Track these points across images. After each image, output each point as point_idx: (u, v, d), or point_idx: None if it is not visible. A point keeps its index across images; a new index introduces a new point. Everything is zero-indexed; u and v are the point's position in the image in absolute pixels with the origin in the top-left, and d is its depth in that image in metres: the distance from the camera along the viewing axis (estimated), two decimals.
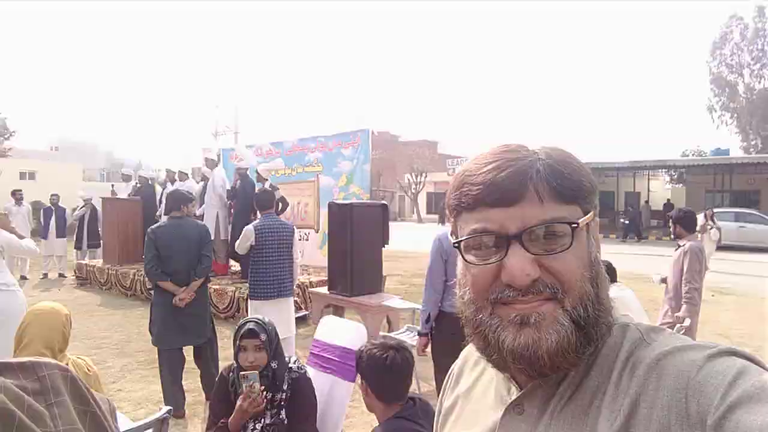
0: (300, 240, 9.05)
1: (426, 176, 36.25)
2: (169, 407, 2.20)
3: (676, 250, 4.17)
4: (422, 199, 37.71)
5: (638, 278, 9.38)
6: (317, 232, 8.75)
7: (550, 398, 0.63)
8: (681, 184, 30.05)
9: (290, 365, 2.34)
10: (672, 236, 4.66)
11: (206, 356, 4.16)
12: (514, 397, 0.67)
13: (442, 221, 3.39)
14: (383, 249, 6.38)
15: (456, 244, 0.66)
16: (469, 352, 0.84)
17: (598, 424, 0.58)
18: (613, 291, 3.68)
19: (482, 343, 0.65)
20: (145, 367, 5.13)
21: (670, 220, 4.32)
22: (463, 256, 0.66)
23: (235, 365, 2.31)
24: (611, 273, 3.83)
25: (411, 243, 15.10)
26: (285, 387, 2.26)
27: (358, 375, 1.99)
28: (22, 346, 2.17)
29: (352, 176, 8.38)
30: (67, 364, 2.22)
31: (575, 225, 0.61)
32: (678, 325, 3.86)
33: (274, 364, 2.28)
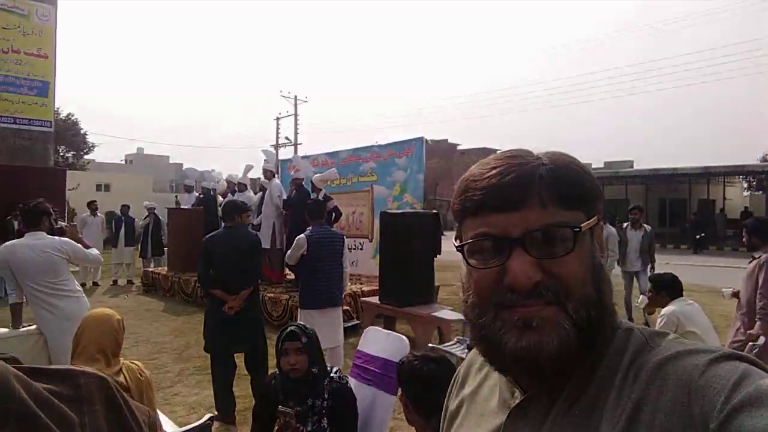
0: (354, 249, 9.12)
1: None
2: (210, 415, 2.22)
3: (751, 262, 3.85)
4: None
5: (710, 292, 8.77)
6: (371, 241, 8.77)
7: (553, 402, 0.63)
8: (761, 191, 28.05)
9: (331, 375, 2.32)
10: (747, 247, 4.31)
11: (256, 363, 4.22)
12: (517, 400, 0.68)
13: None
14: (436, 259, 6.30)
15: (459, 248, 0.67)
16: (475, 355, 0.84)
17: (600, 427, 0.58)
18: (678, 305, 3.44)
19: (485, 346, 0.65)
20: (200, 372, 5.28)
21: (744, 230, 3.99)
22: (466, 260, 0.66)
23: (278, 372, 2.31)
24: (676, 286, 3.59)
25: None
26: (326, 395, 2.24)
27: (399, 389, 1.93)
28: (78, 350, 2.24)
29: (406, 185, 8.35)
30: (120, 369, 2.29)
31: (578, 229, 0.61)
32: (750, 344, 3.56)
33: (314, 369, 2.28)
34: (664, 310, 3.48)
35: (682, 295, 3.51)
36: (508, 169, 0.63)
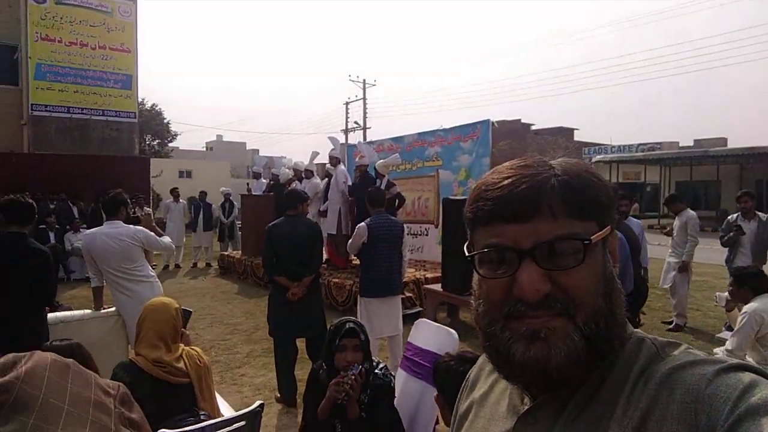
0: (419, 235, 9.09)
1: None
2: (261, 402, 2.28)
3: None
4: None
5: None
6: (437, 227, 8.68)
7: (562, 410, 0.64)
8: None
9: (376, 370, 2.31)
10: None
11: (318, 349, 4.30)
12: (527, 407, 0.69)
13: None
14: None
15: (470, 258, 0.67)
16: (486, 358, 0.83)
17: None
18: (762, 303, 3.15)
19: (494, 355, 0.66)
20: (267, 354, 5.47)
21: None
22: (476, 270, 0.67)
23: (324, 365, 2.32)
24: (761, 281, 3.28)
25: None
26: (368, 390, 2.24)
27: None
28: (140, 337, 2.38)
29: (471, 170, 8.16)
30: (180, 355, 2.40)
31: (588, 241, 0.61)
32: None
33: (365, 366, 2.26)
34: (746, 307, 3.21)
35: (767, 292, 3.20)
36: (520, 179, 0.63)
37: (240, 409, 4.10)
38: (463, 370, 1.72)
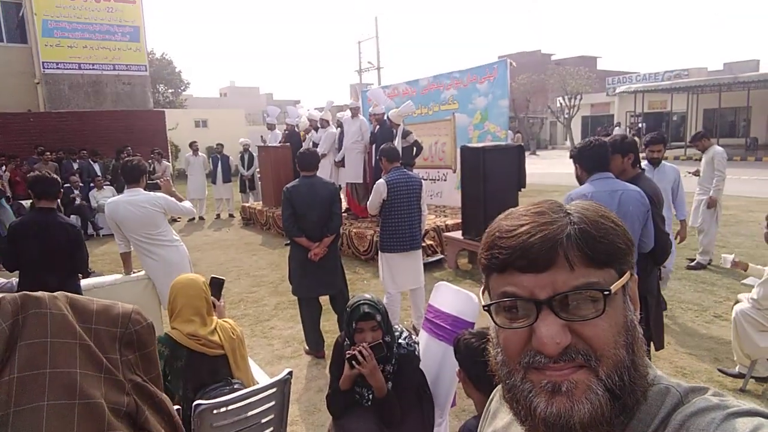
0: (438, 180, 9.04)
1: (581, 98, 32.91)
2: (290, 370, 2.37)
3: None
4: (576, 124, 34.54)
5: None
6: (455, 172, 8.60)
7: None
8: None
9: (399, 340, 2.36)
10: None
11: (340, 304, 4.42)
12: None
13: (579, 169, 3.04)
14: (521, 191, 6.11)
15: (486, 307, 0.66)
16: None
17: None
18: None
19: (515, 407, 0.65)
20: (294, 306, 5.60)
21: None
22: (493, 320, 0.66)
23: (347, 340, 2.35)
24: None
25: (561, 176, 14.23)
26: (393, 361, 2.30)
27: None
28: (176, 314, 2.44)
29: (487, 113, 7.97)
30: (214, 328, 2.48)
31: (608, 292, 0.60)
32: None
33: (387, 338, 2.30)
34: None
35: None
36: (535, 228, 0.62)
37: (271, 362, 4.30)
38: (483, 347, 1.76)
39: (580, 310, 0.60)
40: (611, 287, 0.60)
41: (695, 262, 6.26)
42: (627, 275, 0.64)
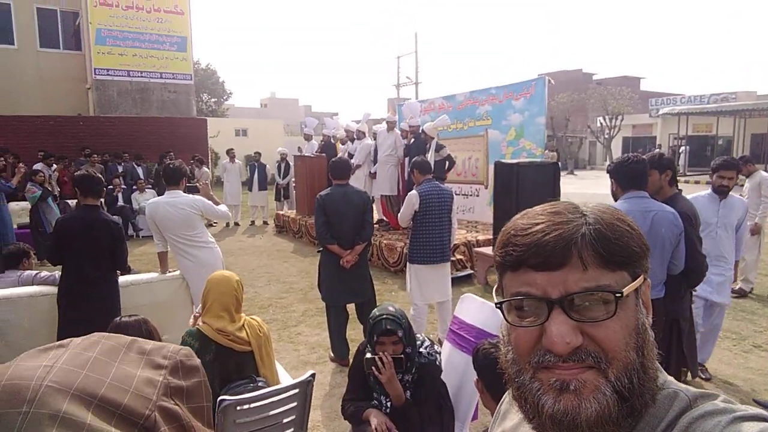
0: (470, 196, 9.01)
1: (622, 119, 32.26)
2: (312, 372, 2.40)
3: None
4: (617, 145, 33.81)
5: None
6: (486, 188, 8.57)
7: None
8: None
9: (420, 350, 2.37)
10: None
11: (367, 312, 4.44)
12: None
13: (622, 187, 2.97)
14: None
15: (499, 305, 0.67)
16: None
17: None
18: None
19: (523, 404, 0.66)
20: (321, 314, 5.67)
21: None
22: (505, 317, 0.67)
23: (369, 349, 2.37)
24: None
25: (595, 196, 13.96)
26: (413, 370, 2.31)
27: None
28: (207, 308, 2.54)
29: (522, 130, 7.92)
30: (242, 325, 2.55)
31: (620, 294, 0.60)
32: None
33: (408, 350, 2.31)
34: None
35: None
36: (550, 227, 0.63)
37: (296, 367, 4.35)
38: None
39: (591, 312, 0.60)
40: (623, 290, 0.61)
41: (738, 287, 6.05)
42: (640, 279, 0.64)
